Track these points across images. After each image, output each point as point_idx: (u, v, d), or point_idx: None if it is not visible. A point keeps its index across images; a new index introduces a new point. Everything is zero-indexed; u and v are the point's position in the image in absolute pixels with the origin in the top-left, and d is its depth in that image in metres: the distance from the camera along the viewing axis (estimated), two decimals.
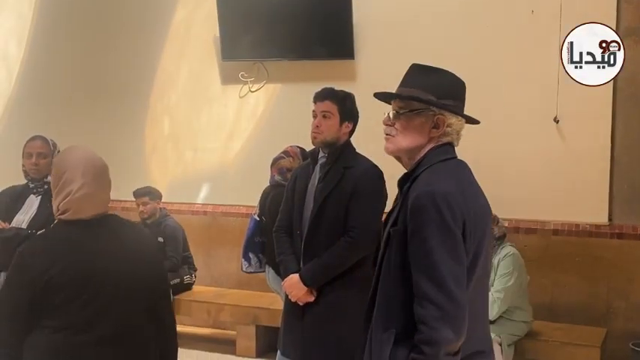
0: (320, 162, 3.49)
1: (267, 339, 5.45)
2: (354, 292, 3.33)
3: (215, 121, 6.34)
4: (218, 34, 6.01)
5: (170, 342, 2.54)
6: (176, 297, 5.74)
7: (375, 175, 3.42)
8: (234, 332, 5.78)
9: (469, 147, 5.67)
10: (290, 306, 3.50)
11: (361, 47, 5.63)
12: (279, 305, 3.89)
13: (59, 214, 2.37)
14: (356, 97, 5.63)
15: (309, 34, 5.72)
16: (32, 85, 7.01)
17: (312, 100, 3.54)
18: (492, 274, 4.57)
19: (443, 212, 1.98)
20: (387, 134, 2.18)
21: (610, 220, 5.06)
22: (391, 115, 2.19)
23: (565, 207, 5.15)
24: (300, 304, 3.42)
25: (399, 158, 2.22)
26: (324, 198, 3.37)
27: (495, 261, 4.60)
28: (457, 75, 2.22)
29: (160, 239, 5.84)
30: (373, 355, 2.10)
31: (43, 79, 6.94)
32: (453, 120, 2.17)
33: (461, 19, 5.41)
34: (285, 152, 4.87)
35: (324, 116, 3.43)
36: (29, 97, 7.01)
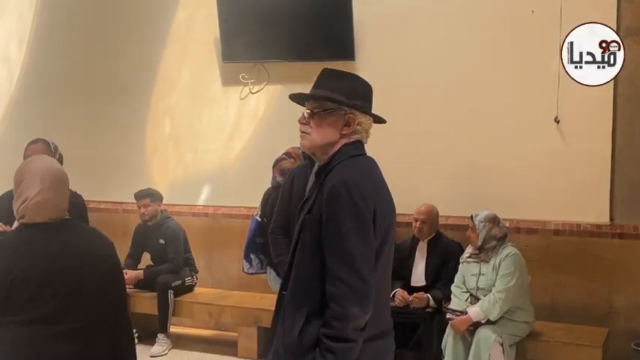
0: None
1: (268, 340, 5.45)
2: None
3: (216, 122, 6.34)
4: (218, 36, 6.01)
5: (126, 338, 2.70)
6: (177, 299, 5.74)
7: None
8: (235, 334, 5.78)
9: (470, 147, 5.72)
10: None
11: (362, 48, 5.63)
12: None
13: (19, 219, 2.54)
14: None
15: (310, 35, 5.72)
16: (33, 88, 7.02)
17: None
18: (493, 275, 4.58)
19: (356, 200, 2.19)
20: (302, 132, 2.41)
21: (611, 220, 5.06)
22: (306, 115, 2.40)
23: (566, 207, 5.15)
24: None
25: (314, 154, 2.43)
26: None
27: (497, 261, 4.60)
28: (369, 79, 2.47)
29: (162, 241, 5.85)
30: (285, 332, 2.27)
31: (44, 81, 6.94)
32: (363, 119, 2.39)
33: (461, 19, 5.41)
34: (287, 153, 4.87)
35: None
36: (30, 99, 7.02)
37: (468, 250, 4.82)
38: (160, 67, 6.53)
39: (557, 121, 5.09)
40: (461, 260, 4.82)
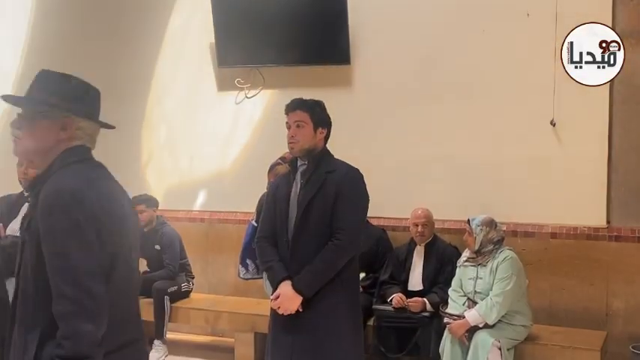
0: (300, 169, 3.51)
1: (265, 346, 5.43)
2: (345, 295, 3.35)
3: (211, 127, 6.32)
4: (214, 41, 6.00)
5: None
6: (174, 305, 5.72)
7: (357, 177, 3.48)
8: (232, 339, 5.75)
9: (467, 151, 5.70)
10: (278, 319, 3.49)
11: (357, 52, 5.63)
12: None
13: None
14: (352, 102, 5.65)
15: (305, 40, 5.72)
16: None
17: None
18: (491, 278, 4.56)
19: (71, 210, 2.01)
20: (14, 137, 2.25)
21: (608, 222, 5.05)
22: (17, 119, 2.22)
23: (563, 210, 5.14)
24: (292, 312, 3.41)
25: (32, 162, 2.24)
26: (308, 202, 3.38)
27: (494, 265, 4.58)
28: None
29: (157, 247, 5.82)
30: (17, 357, 2.11)
31: None
32: (84, 123, 2.23)
33: (456, 23, 5.40)
34: (282, 158, 4.86)
35: (297, 126, 3.47)
36: None
37: (465, 253, 4.80)
38: (155, 72, 6.51)
39: (553, 123, 5.08)
40: (458, 264, 4.81)
